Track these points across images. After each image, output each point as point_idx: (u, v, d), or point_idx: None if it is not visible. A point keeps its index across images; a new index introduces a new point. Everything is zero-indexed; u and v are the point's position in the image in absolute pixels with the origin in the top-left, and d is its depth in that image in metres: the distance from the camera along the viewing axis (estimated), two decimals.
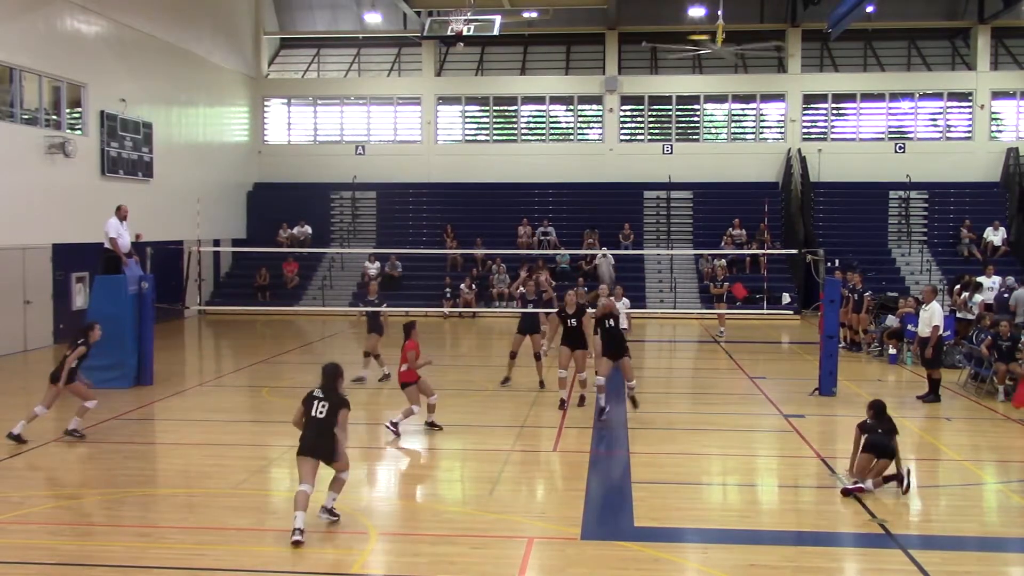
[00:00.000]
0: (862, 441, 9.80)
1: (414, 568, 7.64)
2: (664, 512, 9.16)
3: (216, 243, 28.88)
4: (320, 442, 8.47)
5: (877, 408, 9.96)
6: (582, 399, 13.97)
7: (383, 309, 16.00)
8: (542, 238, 30.15)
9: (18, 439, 11.53)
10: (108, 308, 15.63)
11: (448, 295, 27.17)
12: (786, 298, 22.74)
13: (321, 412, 8.51)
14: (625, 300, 19.88)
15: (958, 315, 19.61)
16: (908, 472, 9.70)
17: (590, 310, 13.80)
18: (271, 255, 29.08)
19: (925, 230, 30.82)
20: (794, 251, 23.25)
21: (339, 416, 8.55)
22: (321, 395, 8.60)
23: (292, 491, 9.52)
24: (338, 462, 8.62)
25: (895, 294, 23.06)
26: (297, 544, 7.92)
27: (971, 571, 7.75)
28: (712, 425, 13.14)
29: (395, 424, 12.12)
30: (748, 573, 7.53)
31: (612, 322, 13.18)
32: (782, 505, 9.82)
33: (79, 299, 21.54)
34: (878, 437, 9.72)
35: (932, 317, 15.07)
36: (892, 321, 19.72)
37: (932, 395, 14.83)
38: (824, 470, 10.68)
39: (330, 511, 8.58)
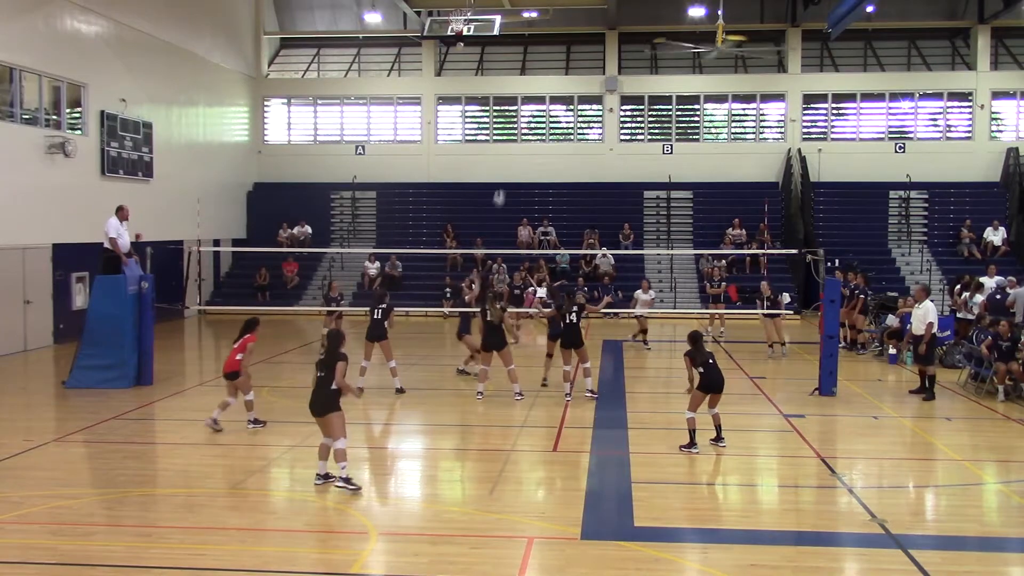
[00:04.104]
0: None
1: (414, 568, 7.64)
2: (664, 512, 9.16)
3: (216, 243, 28.88)
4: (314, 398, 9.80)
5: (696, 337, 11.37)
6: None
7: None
8: (542, 238, 30.15)
9: (465, 372, 15.90)
10: (108, 308, 15.66)
11: (448, 295, 27.14)
12: (786, 298, 22.71)
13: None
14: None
15: (958, 315, 19.58)
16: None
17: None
18: (271, 255, 29.09)
19: (925, 230, 30.82)
20: (794, 251, 23.23)
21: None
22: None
23: (292, 491, 10.25)
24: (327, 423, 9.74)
25: (895, 294, 23.03)
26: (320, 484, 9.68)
27: (971, 571, 7.75)
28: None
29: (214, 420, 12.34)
30: (748, 573, 7.53)
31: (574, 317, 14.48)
32: (782, 505, 9.81)
33: (79, 299, 21.52)
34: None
35: (926, 315, 15.25)
36: (892, 321, 19.71)
37: (927, 392, 14.88)
38: (824, 470, 10.68)
39: (336, 479, 9.66)
